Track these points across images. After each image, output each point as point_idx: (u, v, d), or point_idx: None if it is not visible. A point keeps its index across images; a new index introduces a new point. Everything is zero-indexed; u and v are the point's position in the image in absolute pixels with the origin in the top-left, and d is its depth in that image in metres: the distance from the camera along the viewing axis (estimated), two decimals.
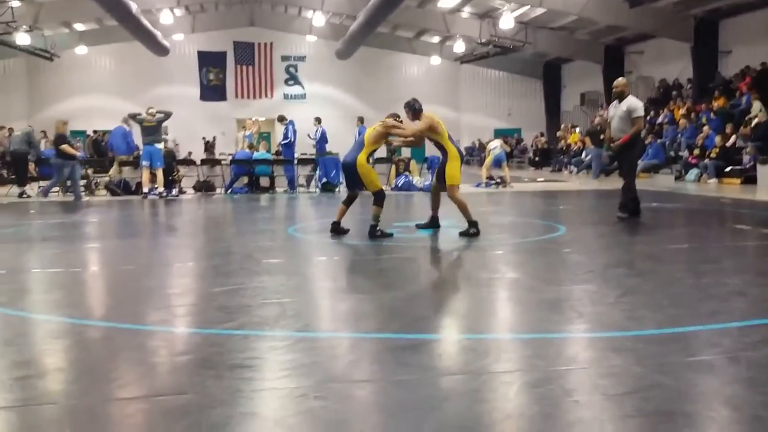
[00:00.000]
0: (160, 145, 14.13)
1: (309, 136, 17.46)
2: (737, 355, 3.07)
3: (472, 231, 7.11)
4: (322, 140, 16.74)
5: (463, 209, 7.27)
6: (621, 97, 8.61)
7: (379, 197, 7.34)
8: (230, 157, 16.28)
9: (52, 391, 2.81)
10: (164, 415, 2.49)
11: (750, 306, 4.13)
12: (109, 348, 3.41)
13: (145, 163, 14.18)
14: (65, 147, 13.79)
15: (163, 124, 14.94)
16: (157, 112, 14.69)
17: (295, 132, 16.04)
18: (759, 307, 4.08)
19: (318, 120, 16.82)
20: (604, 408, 2.49)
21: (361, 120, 16.94)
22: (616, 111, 8.62)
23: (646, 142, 19.60)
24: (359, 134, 16.04)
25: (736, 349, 3.16)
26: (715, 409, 2.49)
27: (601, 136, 18.47)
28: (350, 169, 7.46)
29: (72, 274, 5.65)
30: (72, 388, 2.84)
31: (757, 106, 17.76)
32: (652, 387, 2.67)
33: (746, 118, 17.37)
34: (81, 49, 31.12)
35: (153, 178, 14.23)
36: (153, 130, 14.40)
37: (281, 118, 16.41)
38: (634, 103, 8.61)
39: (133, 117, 14.88)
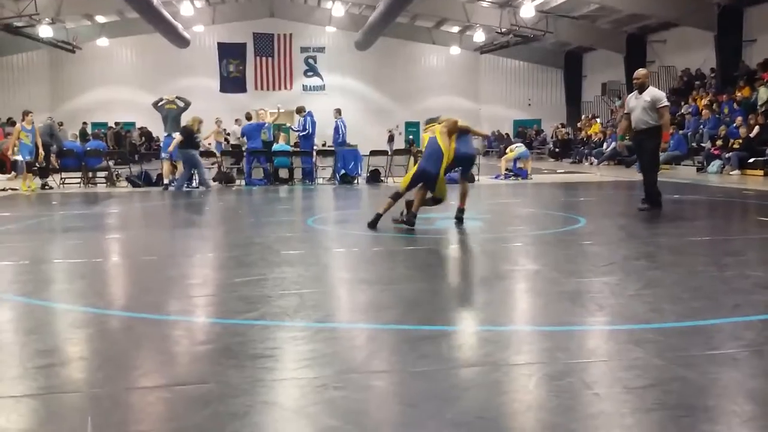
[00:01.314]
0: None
1: (292, 128, 17.18)
2: (761, 349, 3.03)
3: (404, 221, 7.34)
4: (337, 132, 16.39)
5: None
6: (642, 88, 8.55)
7: (397, 196, 7.38)
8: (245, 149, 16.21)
9: (75, 380, 2.85)
10: (185, 403, 2.52)
11: None
12: (131, 337, 3.45)
13: (165, 155, 14.25)
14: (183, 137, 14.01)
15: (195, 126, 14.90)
16: (176, 98, 14.73)
17: (313, 123, 16.02)
18: None
19: (338, 111, 16.61)
20: (625, 401, 2.48)
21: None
22: (638, 102, 8.53)
23: (670, 132, 19.35)
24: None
25: (759, 343, 3.13)
26: (738, 404, 2.46)
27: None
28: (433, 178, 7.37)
29: (94, 264, 5.71)
30: (94, 377, 2.87)
31: (764, 92, 17.48)
32: (673, 380, 2.65)
33: (758, 106, 17.14)
34: (102, 41, 31.41)
35: (173, 170, 14.32)
36: (174, 116, 14.36)
37: (300, 110, 16.40)
38: (657, 93, 8.57)
39: (156, 104, 14.90)
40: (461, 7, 28.11)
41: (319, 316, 3.76)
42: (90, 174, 15.60)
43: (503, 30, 27.58)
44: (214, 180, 14.84)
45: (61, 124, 23.38)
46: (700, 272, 4.90)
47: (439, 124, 7.47)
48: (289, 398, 2.58)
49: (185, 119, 14.50)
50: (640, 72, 8.87)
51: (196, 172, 14.28)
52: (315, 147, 16.45)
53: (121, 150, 20.85)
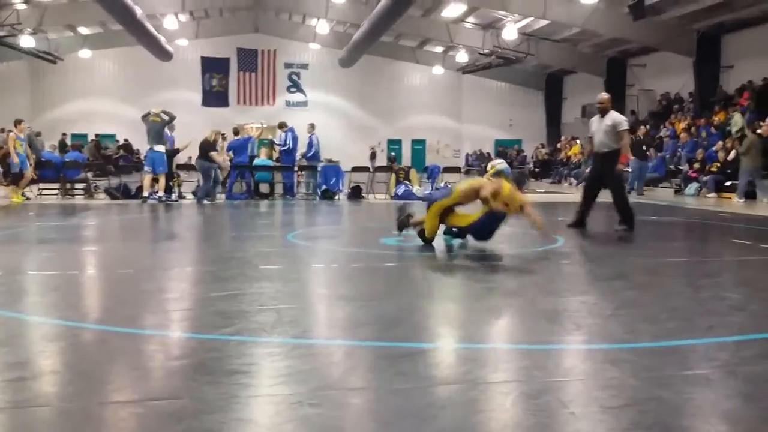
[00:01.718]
0: (162, 149, 14.10)
1: (274, 141, 17.22)
2: (734, 370, 3.06)
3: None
4: (310, 147, 16.32)
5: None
6: (604, 112, 8.87)
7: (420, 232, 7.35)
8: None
9: (46, 393, 2.79)
10: (158, 419, 2.48)
11: (748, 320, 4.12)
12: (104, 351, 3.40)
13: (147, 168, 14.16)
14: (213, 154, 14.47)
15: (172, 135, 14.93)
16: (161, 112, 14.71)
17: (295, 139, 16.03)
18: (757, 322, 4.07)
19: (312, 126, 16.52)
20: (601, 420, 2.48)
21: (312, 126, 16.48)
22: (599, 125, 8.85)
23: (650, 155, 19.57)
24: (310, 143, 16.01)
25: (733, 364, 3.15)
26: (712, 424, 2.47)
27: (645, 148, 18.09)
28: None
29: (69, 276, 5.64)
30: (66, 391, 2.82)
31: (738, 118, 17.82)
32: (649, 400, 2.66)
33: (732, 132, 17.48)
34: (85, 53, 31.28)
35: (153, 183, 14.22)
36: (157, 129, 14.30)
37: (281, 125, 16.43)
38: (618, 117, 8.90)
39: (144, 117, 14.78)
40: (445, 28, 28.38)
41: (296, 332, 3.73)
42: (68, 185, 15.47)
43: (486, 51, 27.90)
44: (194, 194, 14.75)
45: (38, 134, 23.15)
46: (675, 293, 4.94)
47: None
48: (264, 415, 2.56)
49: (187, 136, 14.61)
50: (603, 96, 9.12)
51: (202, 183, 14.50)
52: (296, 162, 16.44)
53: (99, 162, 20.65)
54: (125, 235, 9.44)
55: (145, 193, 14.13)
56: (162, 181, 14.06)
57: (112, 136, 30.93)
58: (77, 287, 5.28)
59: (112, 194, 14.89)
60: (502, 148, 33.27)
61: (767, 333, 3.73)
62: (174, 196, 14.60)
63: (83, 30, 30.10)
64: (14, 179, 13.96)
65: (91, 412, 2.55)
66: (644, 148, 18.43)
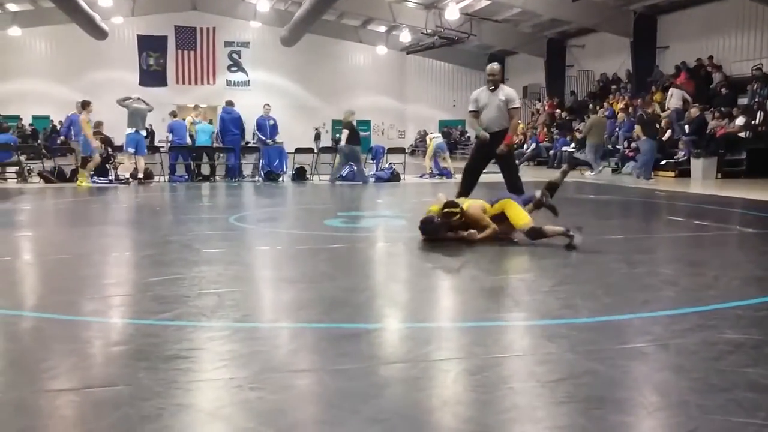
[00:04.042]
0: (145, 133, 14.64)
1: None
2: (667, 343, 3.16)
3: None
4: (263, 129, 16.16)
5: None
6: (496, 85, 8.08)
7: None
8: (168, 145, 16.02)
9: None
10: (95, 407, 2.42)
11: (680, 295, 4.26)
12: (39, 339, 3.30)
13: (131, 150, 14.15)
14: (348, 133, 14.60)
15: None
16: (140, 99, 14.88)
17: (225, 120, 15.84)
18: (689, 296, 4.22)
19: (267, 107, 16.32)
20: (538, 394, 2.53)
21: (173, 114, 16.84)
22: (491, 100, 8.03)
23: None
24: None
25: (666, 337, 3.26)
26: (645, 395, 2.56)
27: (657, 125, 16.28)
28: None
29: (2, 263, 5.45)
30: None
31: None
32: (584, 374, 2.73)
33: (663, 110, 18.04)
34: (14, 31, 30.00)
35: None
36: (144, 115, 14.56)
37: (230, 103, 16.14)
38: (511, 93, 8.19)
39: (123, 101, 14.49)
40: (387, 7, 28.27)
41: (237, 316, 3.69)
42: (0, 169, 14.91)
43: (429, 31, 27.91)
44: (133, 177, 14.41)
45: None
46: (612, 270, 5.07)
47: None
48: (204, 400, 2.53)
49: None
50: (495, 68, 8.29)
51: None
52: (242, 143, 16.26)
53: (32, 144, 19.97)
54: (61, 219, 9.16)
55: (127, 175, 14.27)
56: (141, 163, 14.26)
57: (46, 118, 29.88)
58: (11, 274, 5.10)
59: (46, 178, 14.42)
60: (446, 129, 33.46)
61: (698, 307, 3.87)
62: (111, 179, 14.27)
63: (12, 6, 28.91)
64: (83, 162, 13.82)
65: (25, 401, 2.48)
66: (657, 126, 16.42)
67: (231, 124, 15.58)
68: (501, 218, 6.16)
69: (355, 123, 14.99)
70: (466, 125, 9.00)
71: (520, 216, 6.08)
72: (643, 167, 15.37)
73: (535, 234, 5.94)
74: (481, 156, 8.44)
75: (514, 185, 8.16)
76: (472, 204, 6.24)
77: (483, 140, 8.11)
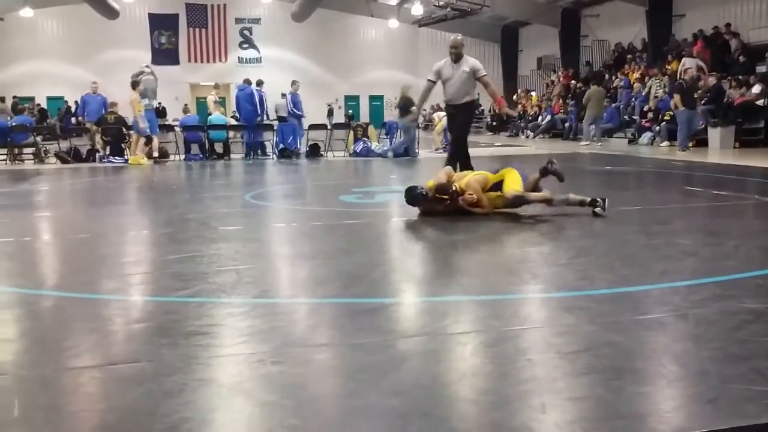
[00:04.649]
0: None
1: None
2: (686, 313, 3.15)
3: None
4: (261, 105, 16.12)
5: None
6: (459, 57, 7.96)
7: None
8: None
9: (2, 362, 2.74)
10: (117, 383, 2.46)
11: (699, 265, 4.24)
12: (61, 318, 3.34)
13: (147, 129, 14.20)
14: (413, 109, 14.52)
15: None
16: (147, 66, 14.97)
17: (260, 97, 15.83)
18: (707, 266, 4.20)
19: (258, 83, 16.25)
20: (557, 366, 2.54)
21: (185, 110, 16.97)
22: (455, 72, 7.95)
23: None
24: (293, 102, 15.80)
25: (684, 307, 3.25)
26: (664, 365, 2.55)
27: (695, 94, 15.58)
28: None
29: (23, 243, 5.51)
30: (23, 359, 2.78)
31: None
32: (603, 345, 2.73)
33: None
34: (26, 12, 29.95)
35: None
36: (154, 88, 14.63)
37: (247, 82, 16.05)
38: (476, 63, 8.07)
39: (137, 77, 14.55)
40: None
41: (256, 292, 3.72)
42: (16, 150, 15.02)
43: (441, 3, 27.59)
44: (148, 156, 14.46)
45: None
46: (629, 241, 5.05)
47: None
48: (225, 375, 2.55)
49: None
50: (459, 40, 8.17)
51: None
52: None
53: (48, 125, 20.09)
54: (79, 199, 9.24)
55: (139, 153, 14.17)
56: (156, 142, 14.36)
57: (60, 99, 29.98)
58: (32, 254, 5.16)
59: (62, 158, 14.52)
60: None
61: (717, 277, 3.84)
62: (126, 158, 14.36)
63: None
64: (147, 141, 14.15)
65: (49, 379, 2.52)
66: (695, 95, 15.83)
67: (243, 100, 15.58)
68: (500, 186, 6.23)
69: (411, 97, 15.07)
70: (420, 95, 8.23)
71: (513, 184, 6.13)
72: (682, 139, 14.97)
73: (519, 201, 6.06)
74: (452, 127, 8.61)
75: (463, 152, 8.15)
76: (471, 181, 6.21)
77: (414, 117, 8.72)
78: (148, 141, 14.06)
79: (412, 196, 6.23)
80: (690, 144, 15.25)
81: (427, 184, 6.25)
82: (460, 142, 8.33)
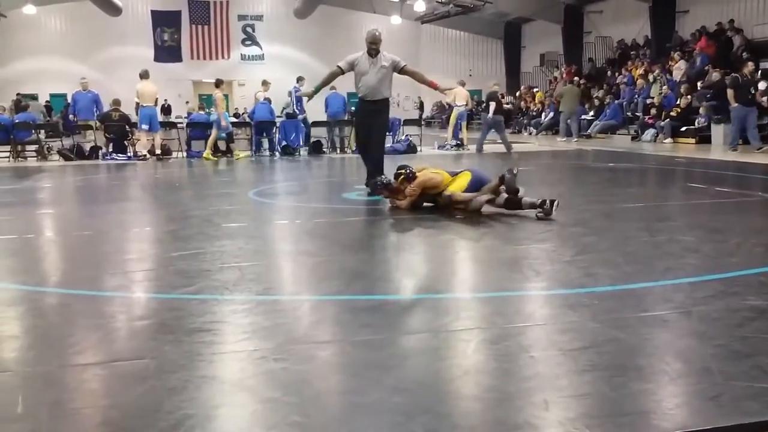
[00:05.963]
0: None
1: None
2: (689, 310, 3.15)
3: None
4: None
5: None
6: (376, 52, 7.76)
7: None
8: (186, 121, 16.12)
9: (6, 359, 2.75)
10: (121, 380, 2.46)
11: (702, 262, 4.23)
12: (64, 314, 3.35)
13: (144, 126, 14.19)
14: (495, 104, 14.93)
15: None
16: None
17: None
18: (710, 263, 4.19)
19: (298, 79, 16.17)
20: (560, 363, 2.54)
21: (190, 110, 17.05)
22: (370, 68, 7.68)
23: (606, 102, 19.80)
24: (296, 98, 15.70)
25: (687, 304, 3.25)
26: (667, 362, 2.55)
27: (751, 89, 14.03)
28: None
29: (25, 240, 5.52)
30: (27, 355, 2.79)
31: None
32: (606, 342, 2.73)
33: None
34: (29, 9, 29.92)
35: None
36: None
37: (264, 83, 15.99)
38: (394, 57, 7.89)
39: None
40: None
41: (259, 289, 3.72)
42: (19, 147, 15.04)
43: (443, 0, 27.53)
44: (151, 153, 14.47)
45: None
46: (632, 237, 5.04)
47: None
48: (228, 372, 2.56)
49: None
50: (378, 36, 7.97)
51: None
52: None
53: (51, 122, 20.07)
54: (82, 197, 9.25)
55: (144, 152, 14.27)
56: (158, 139, 14.46)
57: (62, 96, 29.97)
58: (35, 251, 5.17)
59: (65, 155, 14.54)
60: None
61: (720, 274, 3.84)
62: (129, 155, 14.38)
63: None
64: (229, 138, 14.78)
65: (53, 375, 2.53)
66: (751, 91, 14.44)
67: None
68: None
69: (499, 94, 15.20)
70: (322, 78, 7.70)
71: (457, 185, 6.24)
72: (753, 135, 13.76)
73: (449, 201, 6.18)
74: (365, 125, 7.91)
75: (375, 159, 7.73)
76: (423, 174, 6.39)
77: (307, 95, 8.73)
78: (230, 139, 14.56)
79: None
80: (760, 146, 13.54)
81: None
82: (378, 149, 7.81)
